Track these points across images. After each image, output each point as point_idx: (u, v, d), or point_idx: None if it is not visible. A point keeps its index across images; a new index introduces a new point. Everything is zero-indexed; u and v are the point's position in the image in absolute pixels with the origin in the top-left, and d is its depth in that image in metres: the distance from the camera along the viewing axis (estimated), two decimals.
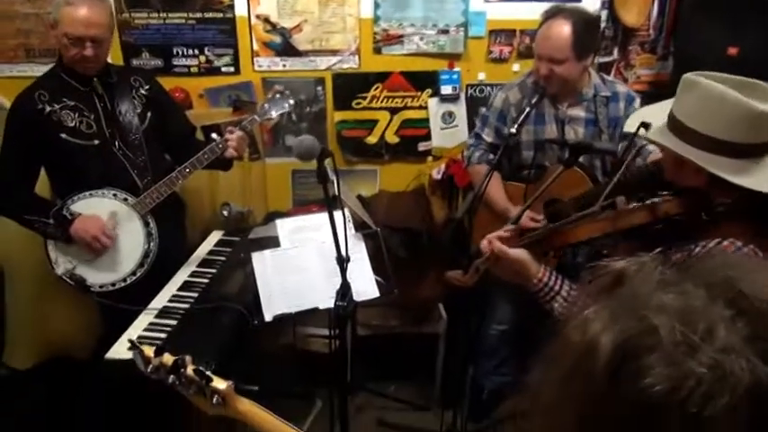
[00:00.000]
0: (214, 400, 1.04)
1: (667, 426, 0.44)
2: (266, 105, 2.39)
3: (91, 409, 2.51)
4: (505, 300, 2.76)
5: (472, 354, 2.29)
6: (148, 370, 1.11)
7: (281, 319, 1.96)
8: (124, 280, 2.25)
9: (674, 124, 1.21)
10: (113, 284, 2.25)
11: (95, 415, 2.52)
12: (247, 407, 1.05)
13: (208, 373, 1.05)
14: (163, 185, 2.25)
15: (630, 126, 1.36)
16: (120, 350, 1.88)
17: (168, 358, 1.08)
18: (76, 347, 2.73)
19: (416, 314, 2.85)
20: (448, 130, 3.14)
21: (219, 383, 1.04)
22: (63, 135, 2.17)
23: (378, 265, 2.12)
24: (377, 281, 2.05)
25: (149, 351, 1.11)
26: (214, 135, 2.34)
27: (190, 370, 1.06)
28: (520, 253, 1.41)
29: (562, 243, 1.43)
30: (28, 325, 2.71)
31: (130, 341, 1.14)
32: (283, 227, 2.07)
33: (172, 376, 1.07)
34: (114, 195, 2.24)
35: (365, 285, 2.02)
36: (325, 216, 1.92)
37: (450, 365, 2.83)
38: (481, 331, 2.78)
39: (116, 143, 2.24)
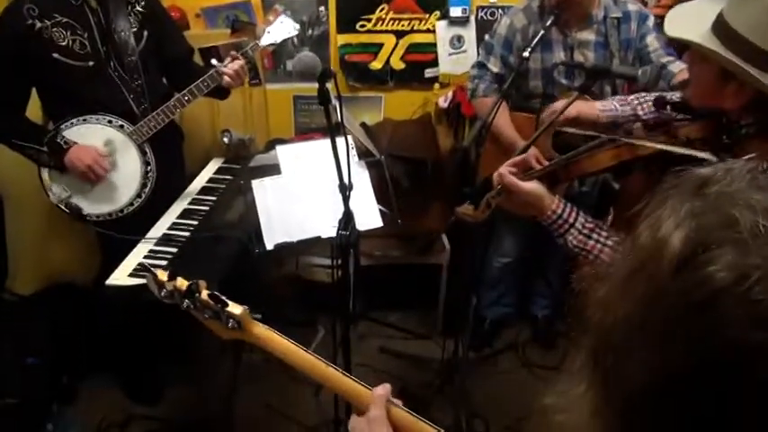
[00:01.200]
0: (230, 324, 1.04)
1: (727, 315, 0.41)
2: (268, 29, 2.27)
3: (94, 333, 2.54)
4: (510, 233, 2.74)
5: (476, 284, 2.28)
6: (162, 294, 1.09)
7: (282, 249, 1.94)
8: (121, 210, 2.21)
9: (727, 34, 1.10)
10: (110, 215, 2.20)
11: (99, 338, 2.56)
12: (263, 331, 1.05)
13: (223, 297, 1.04)
14: (161, 113, 2.17)
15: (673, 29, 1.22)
16: (120, 277, 1.87)
17: (182, 282, 1.06)
18: (79, 274, 2.73)
19: (420, 245, 2.82)
20: (456, 56, 3.01)
21: (235, 308, 1.03)
22: (55, 55, 2.05)
23: (381, 195, 2.08)
24: (380, 210, 2.01)
25: (163, 275, 1.08)
26: (214, 62, 2.23)
27: (204, 294, 1.04)
28: (533, 185, 1.36)
29: (579, 173, 1.38)
30: (30, 251, 2.70)
31: (142, 265, 1.12)
32: (284, 154, 2.01)
33: (186, 301, 1.06)
34: (109, 122, 2.16)
35: (368, 215, 1.97)
36: (327, 143, 1.85)
37: (453, 296, 2.84)
38: (484, 263, 2.78)
39: (111, 64, 2.14)
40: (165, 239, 2.09)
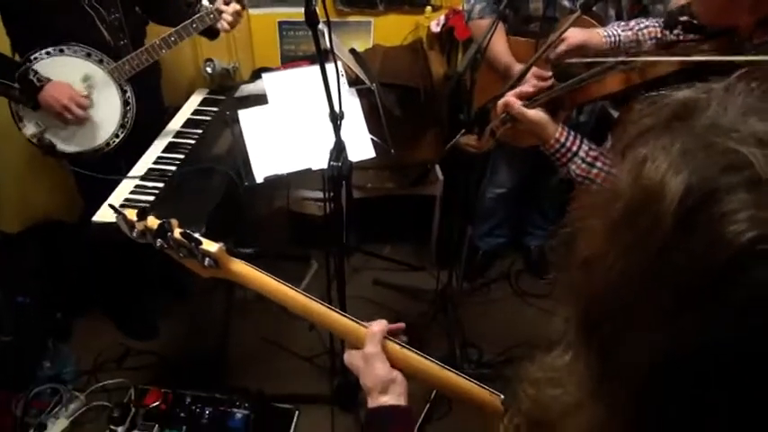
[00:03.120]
0: (206, 262, 0.99)
1: (757, 280, 0.34)
2: None
3: (85, 270, 2.51)
4: (506, 163, 2.69)
5: (470, 215, 2.25)
6: (134, 234, 1.04)
7: (273, 182, 1.88)
8: (97, 150, 2.11)
9: None
10: (85, 153, 2.11)
11: (90, 275, 2.54)
12: (241, 267, 1.00)
13: (196, 235, 0.99)
14: (144, 53, 2.05)
15: None
16: (106, 213, 1.82)
17: (153, 221, 1.01)
18: (65, 211, 2.68)
19: (413, 176, 2.77)
20: None
21: (210, 246, 0.98)
22: None
23: (373, 125, 2.00)
24: (372, 140, 1.94)
25: (132, 214, 1.03)
26: (205, 2, 2.09)
27: (177, 233, 0.99)
28: (538, 113, 1.31)
29: (585, 98, 1.32)
30: (12, 188, 2.63)
31: (111, 206, 1.06)
32: (271, 81, 1.92)
33: (159, 240, 1.01)
34: (88, 56, 2.04)
35: (360, 145, 1.91)
36: (315, 70, 1.76)
37: (446, 227, 2.82)
38: (478, 194, 2.74)
39: None
40: (150, 174, 2.03)
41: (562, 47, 1.67)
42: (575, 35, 1.65)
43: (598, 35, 1.68)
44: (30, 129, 2.04)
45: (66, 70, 2.03)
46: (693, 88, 0.43)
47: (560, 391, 0.48)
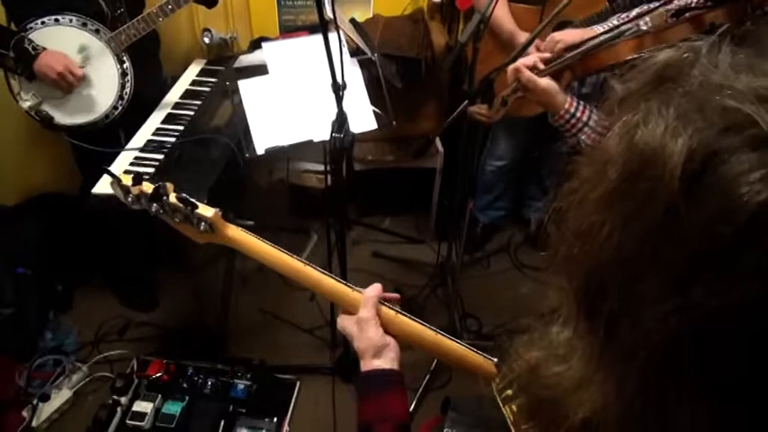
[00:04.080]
0: (201, 227, 0.99)
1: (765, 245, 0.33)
2: None
3: (85, 242, 2.51)
4: (506, 135, 2.67)
5: (471, 188, 2.25)
6: (129, 200, 1.03)
7: (273, 154, 1.87)
8: (96, 123, 2.08)
9: None
10: (83, 126, 2.08)
11: (90, 247, 2.53)
12: (237, 232, 1.00)
13: (192, 200, 0.98)
14: (141, 22, 2.01)
15: None
16: (106, 185, 1.80)
17: (148, 186, 1.01)
18: (63, 183, 2.66)
19: (414, 148, 2.75)
20: None
21: (206, 210, 0.98)
22: None
23: (374, 96, 1.98)
24: (374, 112, 1.92)
25: (127, 179, 1.02)
26: None
27: (173, 197, 0.99)
28: (549, 82, 1.30)
29: (595, 66, 1.30)
30: (11, 161, 2.61)
31: (106, 170, 1.05)
32: (271, 51, 1.89)
33: (154, 205, 1.00)
34: (84, 25, 2.00)
35: (362, 116, 1.89)
36: (317, 39, 1.74)
37: (446, 199, 2.81)
38: (479, 166, 2.73)
39: None
40: (150, 145, 2.01)
41: (560, 46, 1.63)
42: (572, 36, 1.62)
43: (595, 32, 1.65)
44: (27, 101, 2.01)
45: (62, 40, 1.99)
46: (676, 48, 0.41)
47: (564, 368, 0.47)
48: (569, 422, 0.43)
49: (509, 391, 0.57)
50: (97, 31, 2.02)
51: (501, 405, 0.55)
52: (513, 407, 0.54)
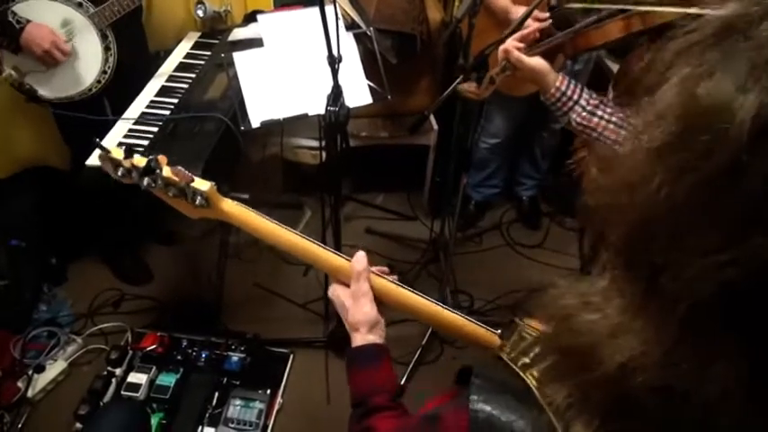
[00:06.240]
0: (197, 201, 0.96)
1: None
2: None
3: (79, 214, 2.50)
4: (500, 113, 2.68)
5: (465, 164, 2.25)
6: (118, 174, 0.98)
7: (267, 128, 1.87)
8: (79, 96, 2.08)
9: None
10: (66, 99, 2.07)
11: (84, 219, 2.53)
12: (232, 206, 0.98)
13: (188, 173, 0.96)
14: None
15: None
16: None
17: (140, 159, 0.97)
18: (55, 156, 2.64)
19: (408, 124, 2.76)
20: None
21: (201, 184, 0.95)
22: None
23: (369, 70, 1.97)
24: (369, 86, 1.92)
25: (118, 153, 0.98)
26: None
27: (167, 170, 0.95)
28: (539, 61, 1.30)
29: (586, 46, 1.31)
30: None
31: (97, 143, 0.99)
32: (267, 23, 1.87)
33: (146, 179, 0.96)
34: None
35: (357, 90, 1.89)
36: (312, 11, 1.73)
37: (440, 176, 2.82)
38: (473, 143, 2.74)
39: None
40: (143, 119, 2.01)
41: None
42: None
43: None
44: (8, 74, 2.00)
45: (45, 14, 1.98)
46: (740, 2, 0.40)
47: (599, 316, 0.46)
48: (605, 366, 0.43)
49: (525, 359, 0.56)
50: (80, 5, 2.00)
51: (521, 373, 0.55)
52: (534, 372, 0.54)
